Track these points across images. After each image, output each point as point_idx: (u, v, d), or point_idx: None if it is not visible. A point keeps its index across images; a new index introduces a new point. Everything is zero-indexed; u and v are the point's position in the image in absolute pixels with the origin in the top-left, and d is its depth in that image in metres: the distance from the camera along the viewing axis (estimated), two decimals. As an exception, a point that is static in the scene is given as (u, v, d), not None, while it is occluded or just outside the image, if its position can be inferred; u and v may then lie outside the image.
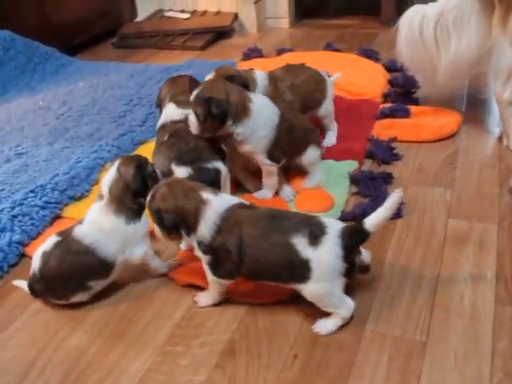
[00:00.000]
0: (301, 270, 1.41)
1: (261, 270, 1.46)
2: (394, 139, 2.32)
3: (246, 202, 1.55)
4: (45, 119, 2.78)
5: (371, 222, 1.44)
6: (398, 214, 1.89)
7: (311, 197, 1.94)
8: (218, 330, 1.50)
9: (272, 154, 1.89)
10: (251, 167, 2.02)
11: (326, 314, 1.47)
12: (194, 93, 1.81)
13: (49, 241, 1.59)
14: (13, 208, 1.95)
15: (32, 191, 2.04)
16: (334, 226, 1.44)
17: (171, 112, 1.96)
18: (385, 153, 2.24)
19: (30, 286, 1.60)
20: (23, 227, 1.90)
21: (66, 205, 2.05)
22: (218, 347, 1.45)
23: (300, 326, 1.49)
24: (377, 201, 1.91)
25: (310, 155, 1.99)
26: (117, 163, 1.62)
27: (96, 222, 1.57)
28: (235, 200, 1.53)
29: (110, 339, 1.51)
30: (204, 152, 1.82)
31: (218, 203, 1.48)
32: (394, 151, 2.26)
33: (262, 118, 1.85)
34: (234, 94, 1.83)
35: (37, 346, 1.51)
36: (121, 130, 2.52)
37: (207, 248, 1.46)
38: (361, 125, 2.44)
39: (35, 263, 1.57)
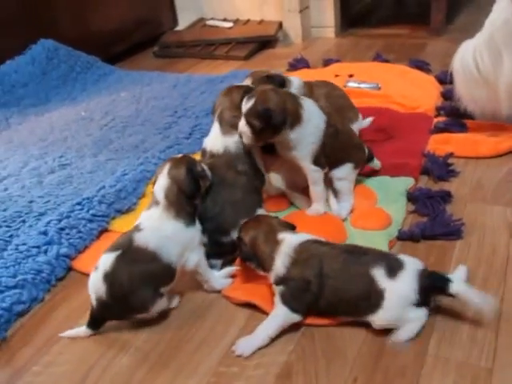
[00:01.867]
0: (376, 299, 1.48)
1: (340, 303, 1.53)
2: (451, 155, 2.31)
3: (322, 239, 1.63)
4: (88, 130, 2.85)
5: (460, 287, 1.50)
6: (457, 235, 1.88)
7: (367, 214, 1.94)
8: (273, 352, 1.51)
9: (317, 160, 1.91)
10: (300, 184, 2.05)
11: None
12: (248, 105, 1.82)
13: (104, 261, 1.54)
14: (60, 220, 2.00)
15: (78, 203, 2.09)
16: (412, 264, 1.53)
17: (213, 138, 1.92)
18: (441, 169, 2.23)
19: (98, 317, 1.58)
20: (70, 240, 1.94)
21: (113, 218, 2.10)
22: (274, 369, 1.46)
23: (359, 347, 1.50)
24: (435, 220, 1.91)
25: (344, 171, 1.99)
26: (167, 166, 1.66)
27: (157, 228, 1.59)
28: (310, 236, 1.62)
29: (162, 358, 1.53)
30: (227, 220, 1.79)
31: (291, 238, 1.59)
32: (451, 167, 2.25)
33: (312, 124, 1.88)
34: (289, 101, 1.86)
35: (86, 363, 1.54)
36: (167, 142, 2.57)
37: (280, 279, 1.55)
38: (415, 139, 2.44)
39: (98, 291, 1.53)
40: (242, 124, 1.84)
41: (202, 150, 1.96)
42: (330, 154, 1.93)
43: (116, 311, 1.57)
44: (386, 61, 3.49)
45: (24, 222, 2.08)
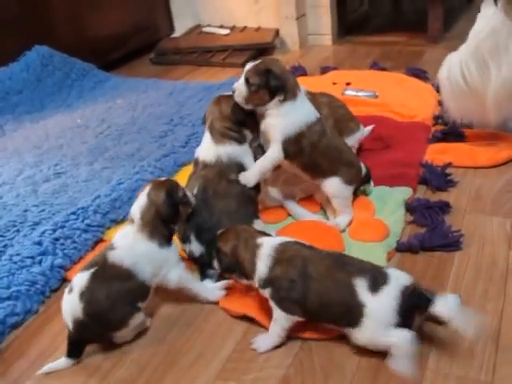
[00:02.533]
0: (356, 314, 1.45)
1: (324, 308, 1.50)
2: (449, 165, 2.30)
3: (305, 242, 1.60)
4: (83, 137, 2.84)
5: (443, 307, 1.43)
6: (456, 246, 1.87)
7: (365, 226, 1.93)
8: (270, 365, 1.50)
9: (287, 147, 1.89)
10: (296, 195, 2.08)
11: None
12: (252, 64, 1.88)
13: (79, 280, 1.53)
14: (54, 230, 1.99)
15: (73, 213, 2.08)
16: (398, 279, 1.47)
17: (205, 148, 1.90)
18: (439, 179, 2.22)
19: (76, 341, 1.54)
20: (65, 251, 1.93)
21: (108, 228, 2.09)
22: (272, 383, 1.45)
23: (358, 362, 1.48)
24: (434, 231, 1.90)
25: (332, 186, 1.96)
26: (148, 188, 1.65)
27: (131, 247, 1.58)
28: (291, 238, 1.62)
29: (159, 370, 1.52)
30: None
31: (270, 240, 1.60)
32: (449, 177, 2.25)
33: (302, 107, 1.91)
34: (291, 76, 1.93)
35: (82, 376, 1.52)
36: (163, 150, 2.55)
37: (265, 281, 1.53)
38: (413, 149, 2.43)
39: (74, 312, 1.50)
40: (240, 82, 1.88)
41: (194, 160, 1.94)
42: (310, 158, 1.92)
43: (95, 330, 1.54)
44: (383, 69, 3.48)
45: (18, 231, 2.06)
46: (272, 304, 1.53)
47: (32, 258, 1.88)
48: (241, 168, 1.87)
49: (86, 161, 2.59)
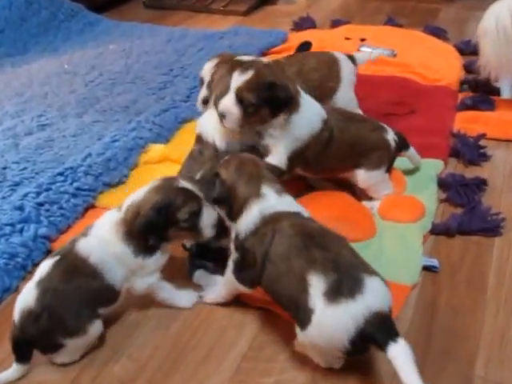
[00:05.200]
0: (301, 314, 1.18)
1: (274, 294, 1.27)
2: (483, 136, 2.07)
3: (306, 213, 1.33)
4: (71, 85, 2.55)
5: (396, 354, 1.11)
6: (496, 231, 1.66)
7: (398, 204, 1.69)
8: (294, 366, 1.28)
9: (290, 162, 1.60)
10: None
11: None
12: (243, 77, 1.50)
13: (42, 267, 1.30)
14: (38, 194, 1.73)
15: (61, 174, 1.82)
16: (371, 299, 1.15)
17: (215, 127, 1.59)
18: (473, 152, 1.99)
19: (20, 339, 1.25)
20: (51, 218, 1.68)
21: (101, 192, 1.83)
22: (296, 388, 1.23)
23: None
24: (473, 213, 1.68)
25: (358, 179, 1.70)
26: (154, 183, 1.35)
27: (103, 240, 1.32)
28: (294, 207, 1.32)
29: (163, 369, 1.29)
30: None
31: (270, 201, 1.30)
32: (482, 150, 2.02)
33: (308, 115, 1.59)
34: (291, 82, 1.58)
35: (70, 372, 1.29)
36: (162, 104, 2.28)
37: (239, 245, 1.30)
38: (441, 116, 2.19)
39: (26, 301, 1.25)
40: (229, 101, 1.50)
41: (197, 135, 1.65)
42: (318, 165, 1.66)
43: (44, 328, 1.24)
44: (400, 26, 3.21)
45: (-5, 192, 1.79)
46: (229, 263, 1.34)
47: (12, 225, 1.62)
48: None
49: (75, 112, 2.31)
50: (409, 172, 1.85)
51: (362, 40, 2.92)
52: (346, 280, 1.16)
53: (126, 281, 1.34)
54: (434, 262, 1.53)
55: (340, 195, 1.70)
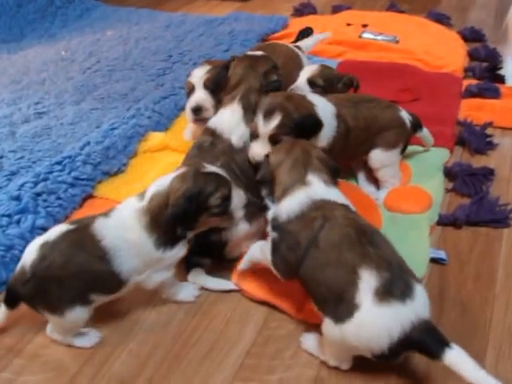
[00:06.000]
0: (341, 308, 1.12)
1: (313, 281, 1.19)
2: (489, 124, 2.02)
3: (353, 208, 1.27)
4: (68, 72, 2.48)
5: (457, 359, 1.07)
6: (505, 223, 1.61)
7: (404, 194, 1.64)
8: (299, 363, 1.23)
9: None
10: None
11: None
12: (274, 121, 1.45)
13: (54, 230, 1.26)
14: (35, 183, 1.67)
15: (58, 163, 1.75)
16: (421, 306, 1.11)
17: (232, 125, 1.54)
18: (479, 141, 1.94)
19: (11, 290, 1.23)
20: (48, 208, 1.62)
21: (99, 182, 1.77)
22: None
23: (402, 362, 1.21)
24: (481, 203, 1.63)
25: (373, 160, 1.68)
26: (181, 170, 1.29)
27: (124, 225, 1.26)
28: (341, 199, 1.26)
29: (164, 365, 1.23)
30: None
31: (317, 189, 1.26)
32: (489, 139, 1.96)
33: (325, 123, 1.54)
34: (305, 101, 1.54)
35: (68, 370, 1.23)
36: (161, 91, 2.21)
37: (278, 226, 1.25)
38: (446, 103, 2.14)
39: (28, 256, 1.22)
40: (265, 149, 1.45)
41: (208, 129, 1.57)
42: (341, 154, 1.61)
43: (29, 291, 1.21)
44: (402, 12, 3.14)
45: (-9, 182, 1.73)
46: (268, 245, 1.29)
47: (8, 216, 1.56)
48: None
49: (72, 100, 2.25)
50: (414, 161, 1.80)
51: (364, 26, 2.86)
52: (398, 282, 1.11)
53: (136, 273, 1.27)
54: (442, 253, 1.49)
55: (345, 185, 1.64)
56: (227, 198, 1.30)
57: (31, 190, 1.64)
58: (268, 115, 1.46)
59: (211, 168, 1.31)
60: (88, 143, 1.84)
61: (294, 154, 1.30)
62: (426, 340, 1.08)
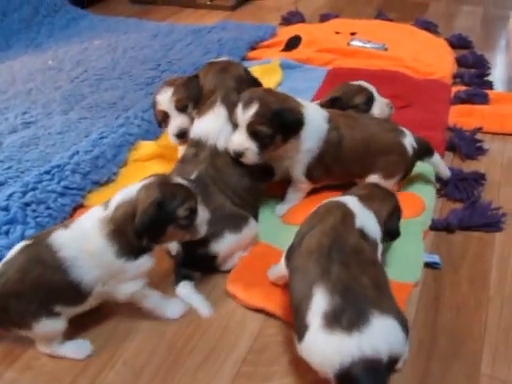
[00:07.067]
0: (299, 327, 1.11)
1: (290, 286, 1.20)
2: (479, 130, 2.03)
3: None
4: (56, 82, 2.46)
5: None
6: (497, 226, 1.63)
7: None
8: (296, 370, 1.22)
9: (310, 172, 1.61)
10: None
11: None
12: (251, 111, 1.47)
13: (15, 247, 1.25)
14: (24, 193, 1.64)
15: (47, 172, 1.74)
16: (372, 337, 1.04)
17: (215, 129, 1.56)
18: (469, 146, 1.96)
19: None
20: (38, 219, 1.60)
21: (90, 191, 1.76)
22: (301, 392, 1.18)
23: (403, 368, 1.21)
24: (473, 208, 1.64)
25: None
26: (146, 180, 1.27)
27: (84, 235, 1.23)
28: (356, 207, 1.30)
29: (159, 375, 1.22)
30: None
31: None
32: (479, 144, 1.98)
33: (312, 125, 1.56)
34: (290, 99, 1.56)
35: (65, 380, 1.22)
36: (150, 99, 2.18)
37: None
38: (435, 110, 2.15)
39: None
40: (242, 138, 1.49)
41: (193, 141, 1.58)
42: (333, 166, 1.62)
43: None
44: (390, 20, 3.17)
45: (-21, 192, 1.71)
46: None
47: (-3, 227, 1.54)
48: None
49: (60, 109, 2.23)
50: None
51: (353, 34, 2.88)
52: (350, 311, 1.06)
53: (102, 283, 1.24)
54: (436, 258, 1.50)
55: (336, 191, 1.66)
56: (194, 211, 1.28)
57: (20, 200, 1.62)
58: (246, 104, 1.48)
59: (179, 180, 1.30)
60: (77, 152, 1.83)
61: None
62: (362, 378, 1.01)
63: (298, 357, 1.22)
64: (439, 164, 1.74)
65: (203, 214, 1.31)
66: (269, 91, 1.56)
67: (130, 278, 1.26)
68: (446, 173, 1.75)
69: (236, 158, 1.51)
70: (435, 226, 1.61)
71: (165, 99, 1.69)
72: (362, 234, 1.24)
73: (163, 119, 1.72)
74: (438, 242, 1.58)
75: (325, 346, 1.05)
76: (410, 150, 1.64)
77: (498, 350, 1.27)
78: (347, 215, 1.26)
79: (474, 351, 1.26)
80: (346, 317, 1.05)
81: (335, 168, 1.62)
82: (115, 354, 1.27)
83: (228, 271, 1.46)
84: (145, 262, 1.26)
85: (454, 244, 1.58)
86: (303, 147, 1.57)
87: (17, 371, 1.24)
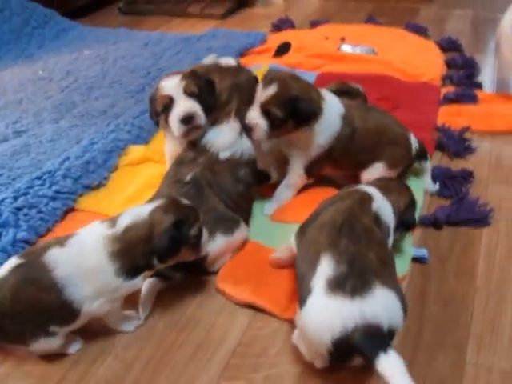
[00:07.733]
0: (303, 293, 1.19)
1: (299, 256, 1.31)
2: (467, 129, 2.10)
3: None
4: (47, 91, 2.54)
5: (387, 366, 1.04)
6: (485, 222, 1.69)
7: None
8: (284, 361, 1.28)
9: (310, 167, 1.68)
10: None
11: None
12: (269, 91, 1.54)
13: (5, 265, 1.26)
14: (16, 198, 1.72)
15: (38, 178, 1.81)
16: (373, 304, 1.09)
17: (227, 140, 1.63)
18: (458, 145, 2.02)
19: None
20: (30, 222, 1.66)
21: (81, 195, 1.82)
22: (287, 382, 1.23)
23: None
24: (461, 204, 1.70)
25: (372, 173, 1.70)
26: (157, 203, 1.32)
27: (82, 252, 1.25)
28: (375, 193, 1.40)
29: (149, 369, 1.28)
30: None
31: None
32: (467, 143, 2.05)
33: (326, 122, 1.62)
34: (313, 90, 1.63)
35: (53, 377, 1.27)
36: (141, 106, 2.27)
37: None
38: (424, 111, 2.23)
39: None
40: (256, 115, 1.57)
41: (199, 145, 1.63)
42: (345, 161, 1.70)
43: None
44: (380, 24, 3.25)
45: (-28, 199, 1.77)
46: None
47: (-11, 230, 1.61)
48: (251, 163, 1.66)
49: (51, 118, 2.30)
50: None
51: (342, 39, 2.96)
52: (354, 278, 1.12)
53: (89, 302, 1.25)
54: (424, 252, 1.55)
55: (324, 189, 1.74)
56: (201, 230, 1.35)
57: (11, 204, 1.69)
58: (268, 84, 1.55)
59: (185, 201, 1.36)
60: (68, 158, 1.90)
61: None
62: (363, 344, 1.06)
63: (286, 349, 1.29)
64: (428, 172, 1.82)
65: (206, 234, 1.38)
66: (294, 77, 1.62)
67: (116, 297, 1.29)
68: (430, 185, 1.82)
69: (246, 131, 1.59)
70: (423, 222, 1.67)
71: (170, 85, 1.64)
72: (376, 219, 1.32)
73: (165, 106, 1.63)
74: (426, 238, 1.64)
75: (326, 310, 1.10)
76: (414, 145, 1.76)
77: (483, 339, 1.32)
78: (365, 199, 1.35)
79: (459, 341, 1.32)
80: (350, 283, 1.11)
81: (343, 159, 1.69)
82: (105, 350, 1.32)
83: (215, 272, 1.51)
84: (138, 282, 1.31)
85: (441, 239, 1.64)
86: (316, 141, 1.63)
87: (9, 367, 1.29)
